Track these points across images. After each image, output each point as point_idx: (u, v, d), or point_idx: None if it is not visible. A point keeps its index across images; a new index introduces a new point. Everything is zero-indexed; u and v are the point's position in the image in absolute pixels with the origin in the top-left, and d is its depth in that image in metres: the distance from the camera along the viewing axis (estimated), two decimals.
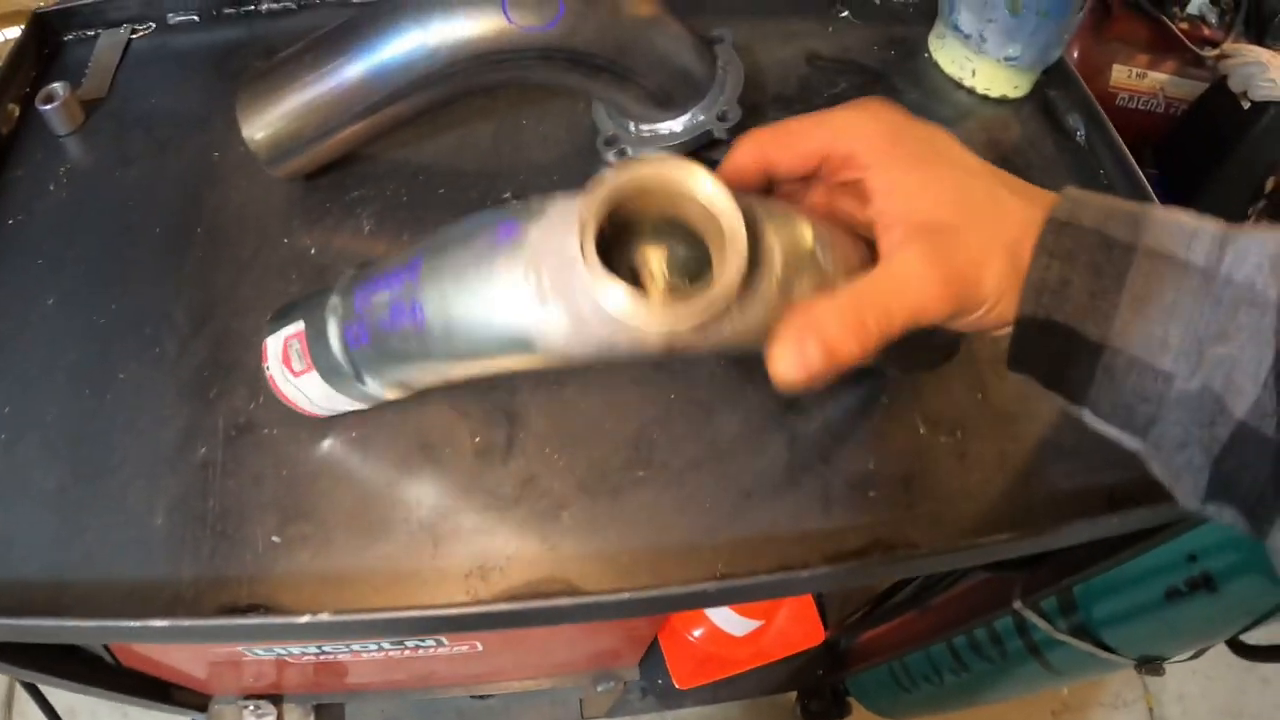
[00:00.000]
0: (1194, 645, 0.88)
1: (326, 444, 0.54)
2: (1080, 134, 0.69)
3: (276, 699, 1.05)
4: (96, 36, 0.74)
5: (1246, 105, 1.00)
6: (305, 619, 0.47)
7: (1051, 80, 0.73)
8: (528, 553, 0.51)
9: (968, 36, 0.70)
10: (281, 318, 0.49)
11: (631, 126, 0.64)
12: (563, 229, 0.36)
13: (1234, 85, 1.01)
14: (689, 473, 0.53)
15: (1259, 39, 1.11)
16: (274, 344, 0.49)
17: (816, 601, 1.47)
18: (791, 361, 0.37)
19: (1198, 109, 1.10)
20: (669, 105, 0.61)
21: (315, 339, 0.46)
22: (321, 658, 0.80)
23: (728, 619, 1.36)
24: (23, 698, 1.52)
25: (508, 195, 0.63)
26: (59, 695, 1.63)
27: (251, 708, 1.03)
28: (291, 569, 0.50)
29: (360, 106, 0.57)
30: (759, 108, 0.68)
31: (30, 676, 0.78)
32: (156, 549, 0.50)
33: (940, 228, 0.38)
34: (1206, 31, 1.11)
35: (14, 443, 0.54)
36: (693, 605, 0.51)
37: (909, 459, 0.54)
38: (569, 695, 1.47)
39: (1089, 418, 0.39)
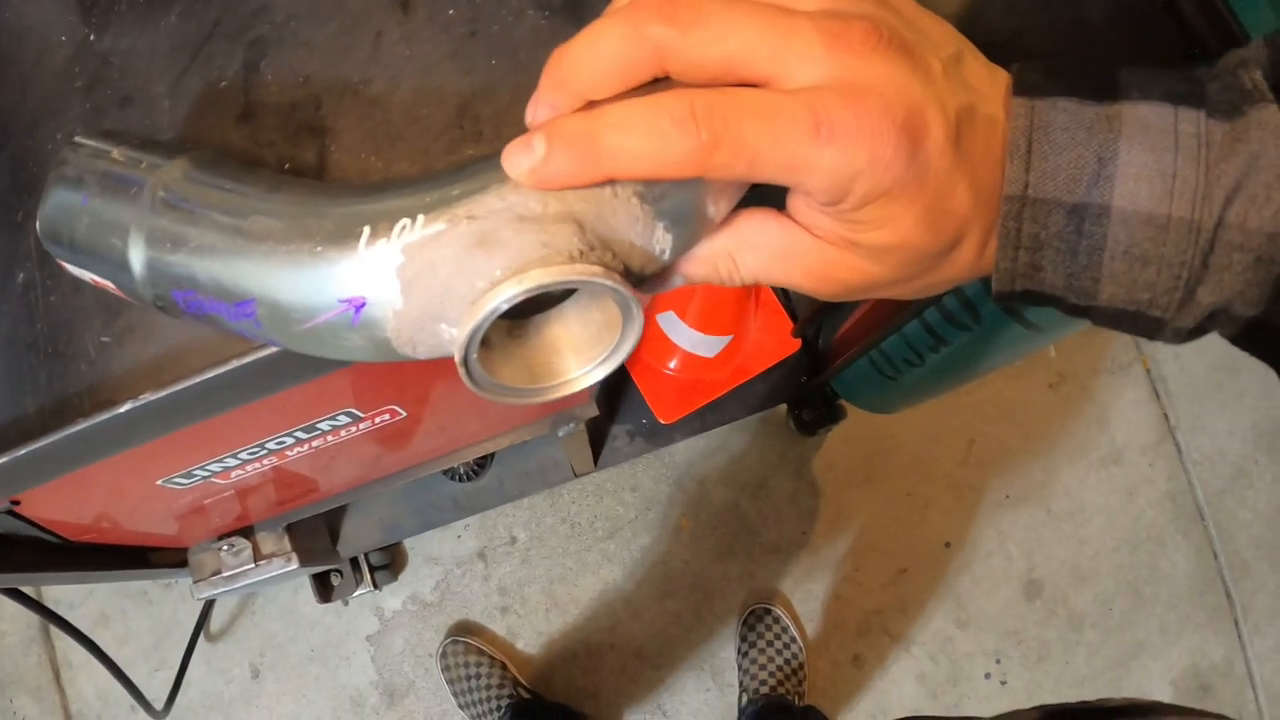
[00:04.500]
0: None
1: None
2: None
3: (248, 531, 1.03)
4: None
5: None
6: (126, 406, 0.46)
7: None
8: None
9: None
10: (62, 241, 0.42)
11: None
12: (430, 325, 0.33)
13: None
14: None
15: None
16: (79, 274, 0.44)
17: (785, 307, 1.42)
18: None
19: None
20: None
21: (130, 293, 0.41)
22: (255, 468, 0.75)
23: (696, 341, 1.31)
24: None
25: None
26: (87, 605, 1.69)
27: (226, 547, 1.00)
28: (126, 365, 0.48)
29: None
30: None
31: None
32: None
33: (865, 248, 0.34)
34: None
35: None
36: None
37: None
38: (557, 459, 1.46)
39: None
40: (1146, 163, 0.32)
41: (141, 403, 0.45)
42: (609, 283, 0.31)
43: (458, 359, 0.33)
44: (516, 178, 0.31)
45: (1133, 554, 1.70)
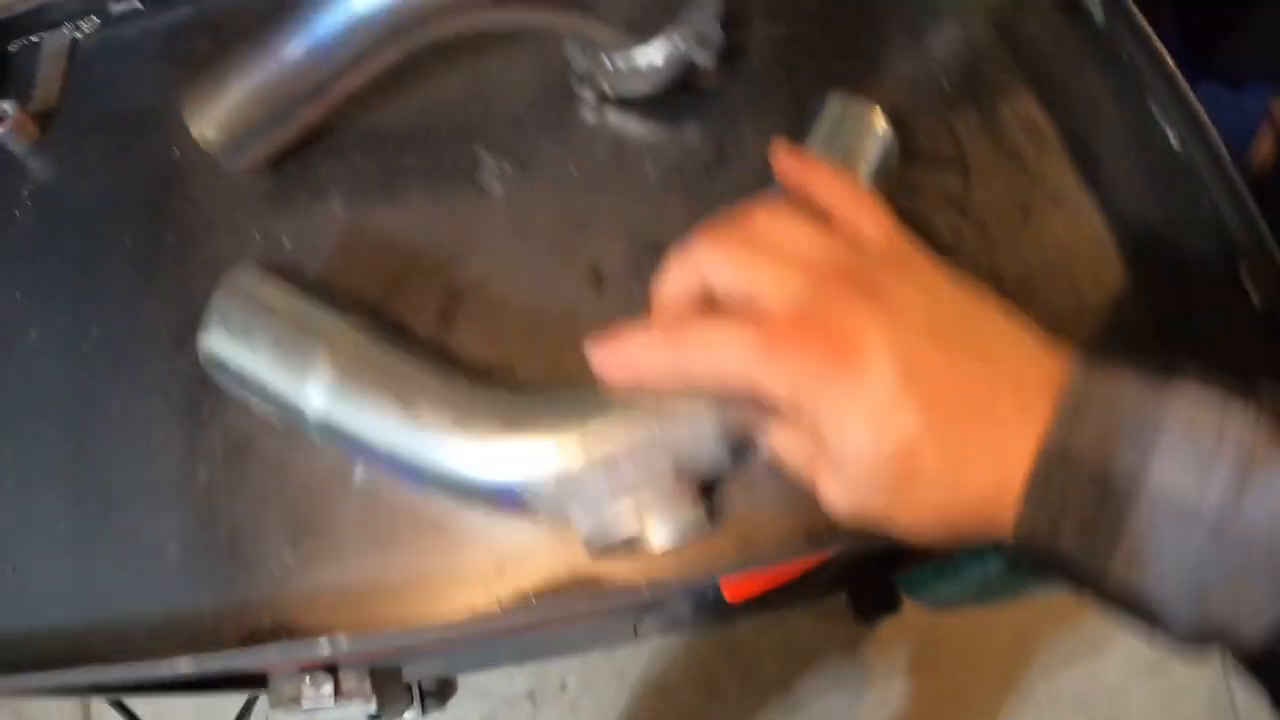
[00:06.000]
0: None
1: (326, 453, 0.52)
2: (1098, 16, 0.60)
3: (333, 668, 1.07)
4: (40, 42, 0.67)
5: None
6: (324, 644, 0.46)
7: None
8: (546, 540, 0.49)
9: None
10: (229, 377, 0.49)
11: (606, 61, 0.57)
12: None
13: None
14: None
15: None
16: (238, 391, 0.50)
17: None
18: None
19: None
20: (639, 30, 0.55)
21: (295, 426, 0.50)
22: None
23: None
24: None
25: (481, 153, 0.59)
26: None
27: (308, 680, 1.04)
28: (309, 587, 0.49)
29: (309, 86, 0.53)
30: (745, 20, 0.61)
31: (95, 694, 0.80)
32: (173, 582, 0.50)
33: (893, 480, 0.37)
34: None
35: (18, 490, 0.53)
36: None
37: None
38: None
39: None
40: (1185, 430, 0.33)
41: (336, 643, 0.47)
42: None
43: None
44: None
45: None
